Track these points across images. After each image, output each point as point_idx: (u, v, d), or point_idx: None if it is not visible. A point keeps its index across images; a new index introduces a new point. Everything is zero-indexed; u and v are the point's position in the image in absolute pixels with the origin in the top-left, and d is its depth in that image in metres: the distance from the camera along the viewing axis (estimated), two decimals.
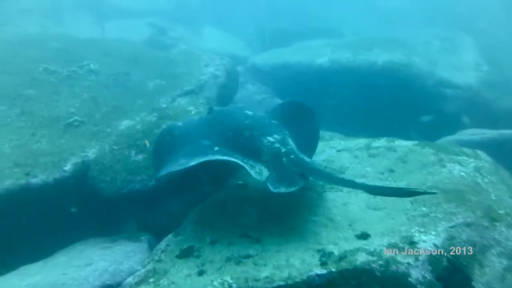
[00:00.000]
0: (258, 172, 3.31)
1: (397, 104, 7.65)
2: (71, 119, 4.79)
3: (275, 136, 3.54)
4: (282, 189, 3.13)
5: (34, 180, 3.89)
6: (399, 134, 5.04)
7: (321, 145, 4.98)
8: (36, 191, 3.87)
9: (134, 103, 5.41)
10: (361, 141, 4.84)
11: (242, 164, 3.28)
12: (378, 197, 3.57)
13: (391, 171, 3.97)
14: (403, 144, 4.48)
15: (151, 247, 3.90)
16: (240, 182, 4.24)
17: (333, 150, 4.76)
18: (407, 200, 3.39)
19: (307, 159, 3.46)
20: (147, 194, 4.20)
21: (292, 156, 3.37)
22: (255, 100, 8.68)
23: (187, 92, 5.88)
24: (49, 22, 9.99)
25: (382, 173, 3.97)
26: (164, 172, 3.43)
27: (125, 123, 4.89)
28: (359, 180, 3.67)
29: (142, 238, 3.99)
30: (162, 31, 11.10)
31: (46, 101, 5.14)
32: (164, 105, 5.39)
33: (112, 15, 11.74)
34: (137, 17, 11.69)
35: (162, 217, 4.33)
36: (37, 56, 6.18)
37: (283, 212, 3.57)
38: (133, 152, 4.35)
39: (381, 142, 4.63)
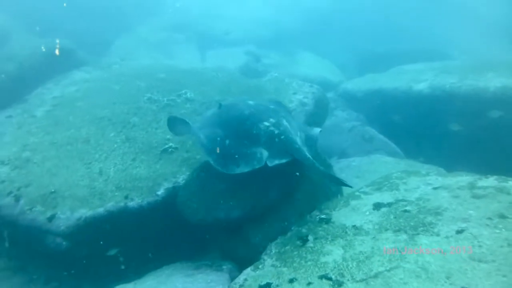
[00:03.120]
0: (260, 157, 3.83)
1: None
2: (166, 146, 5.13)
3: (271, 120, 4.11)
4: (276, 161, 3.80)
5: (131, 203, 4.21)
6: None
7: (415, 181, 4.55)
8: (132, 213, 4.18)
9: None
10: (463, 179, 4.27)
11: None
12: (485, 247, 3.09)
13: (503, 217, 3.41)
14: None
15: (232, 277, 3.90)
16: (323, 216, 4.07)
17: (429, 187, 4.29)
18: None
19: (295, 139, 4.03)
20: (231, 223, 4.25)
21: (282, 137, 3.98)
22: (344, 128, 8.31)
23: None
24: (160, 54, 11.11)
25: (490, 219, 3.43)
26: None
27: None
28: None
29: (224, 267, 4.01)
30: (257, 59, 11.48)
31: (147, 128, 5.62)
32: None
33: (215, 44, 12.42)
34: (238, 45, 12.17)
35: (244, 247, 4.33)
36: (145, 86, 6.89)
37: (369, 255, 3.29)
38: (219, 180, 4.45)
39: (490, 181, 4.02)
